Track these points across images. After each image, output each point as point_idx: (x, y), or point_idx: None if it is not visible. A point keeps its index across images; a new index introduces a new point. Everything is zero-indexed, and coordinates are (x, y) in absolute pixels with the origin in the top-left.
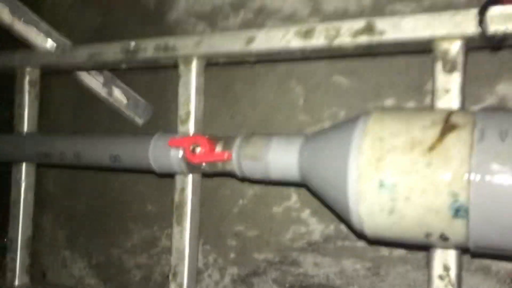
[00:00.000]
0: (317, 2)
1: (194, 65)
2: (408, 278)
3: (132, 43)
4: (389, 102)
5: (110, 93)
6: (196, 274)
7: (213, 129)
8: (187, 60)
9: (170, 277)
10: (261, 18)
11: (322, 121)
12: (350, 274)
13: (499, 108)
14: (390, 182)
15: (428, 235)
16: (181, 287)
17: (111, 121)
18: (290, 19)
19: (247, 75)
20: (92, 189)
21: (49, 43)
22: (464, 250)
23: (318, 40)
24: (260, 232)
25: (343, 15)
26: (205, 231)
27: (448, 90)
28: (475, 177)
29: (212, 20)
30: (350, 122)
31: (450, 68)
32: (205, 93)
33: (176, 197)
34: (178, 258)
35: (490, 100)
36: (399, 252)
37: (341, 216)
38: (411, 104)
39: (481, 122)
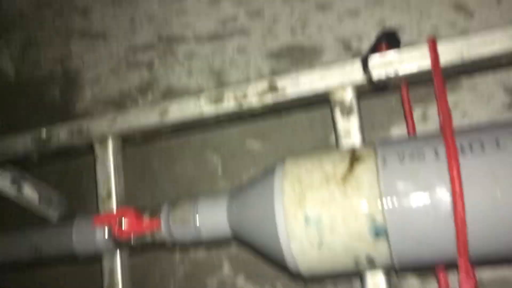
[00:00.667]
0: (220, 76)
1: (110, 143)
2: None
3: (43, 130)
4: None
5: (20, 190)
6: None
7: None
8: (103, 140)
9: None
10: (169, 98)
11: None
12: None
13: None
14: (314, 215)
15: (356, 260)
16: None
17: (23, 220)
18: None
19: (164, 151)
20: None
21: None
22: (393, 270)
23: (228, 104)
24: None
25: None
26: None
27: (349, 131)
28: (386, 199)
29: (121, 105)
30: (269, 169)
31: (347, 112)
32: (124, 175)
33: (106, 280)
34: None
35: None
36: None
37: (275, 260)
38: None
39: (381, 151)
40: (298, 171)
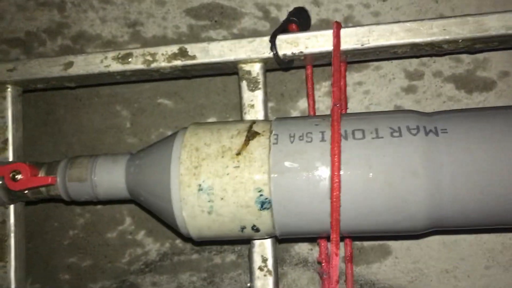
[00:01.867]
0: (136, 29)
1: (8, 92)
2: (241, 281)
3: None
4: (211, 120)
5: None
6: None
7: (35, 159)
8: (1, 88)
9: None
10: (80, 44)
11: (150, 142)
12: (187, 287)
13: (290, 117)
14: (207, 185)
15: (242, 228)
16: None
17: None
18: (110, 45)
19: (70, 101)
20: None
21: None
22: (277, 240)
23: (136, 64)
24: (95, 261)
25: (162, 41)
26: (33, 269)
27: (253, 105)
28: (273, 174)
29: (27, 47)
30: (170, 137)
31: (253, 86)
32: (24, 121)
33: None
34: None
35: (295, 114)
36: (231, 258)
37: (168, 223)
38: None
39: (275, 129)
40: (197, 142)
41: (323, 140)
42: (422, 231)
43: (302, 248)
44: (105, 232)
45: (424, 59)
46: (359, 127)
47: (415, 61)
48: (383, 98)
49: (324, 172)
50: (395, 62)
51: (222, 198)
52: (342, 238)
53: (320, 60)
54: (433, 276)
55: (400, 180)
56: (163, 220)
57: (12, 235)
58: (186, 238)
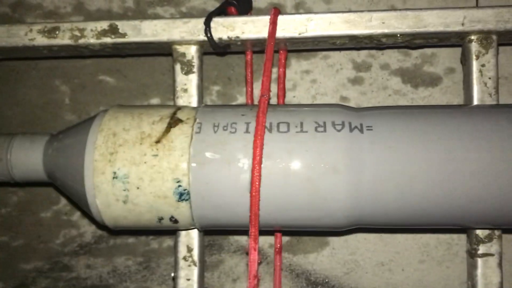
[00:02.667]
0: (81, 1)
1: None
2: None
3: None
4: (155, 101)
5: None
6: None
7: None
8: None
9: None
10: (19, 13)
11: None
12: (122, 271)
13: (218, 105)
14: (122, 173)
15: (160, 219)
16: None
17: None
18: (51, 16)
19: (6, 73)
20: None
21: None
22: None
23: (63, 40)
24: (28, 241)
25: (106, 15)
26: None
27: (186, 89)
28: (193, 164)
29: None
30: (89, 119)
31: (187, 70)
32: None
33: None
34: None
35: (241, 99)
36: (168, 243)
37: (84, 209)
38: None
39: (200, 117)
40: (115, 126)
41: (247, 131)
42: (344, 228)
43: (241, 236)
44: (39, 211)
45: (373, 51)
46: (284, 120)
47: (363, 52)
48: (330, 88)
49: (245, 164)
50: (343, 52)
51: (138, 188)
52: (272, 231)
53: (258, 47)
54: (368, 268)
55: (320, 176)
56: (78, 207)
57: None
58: (103, 227)
